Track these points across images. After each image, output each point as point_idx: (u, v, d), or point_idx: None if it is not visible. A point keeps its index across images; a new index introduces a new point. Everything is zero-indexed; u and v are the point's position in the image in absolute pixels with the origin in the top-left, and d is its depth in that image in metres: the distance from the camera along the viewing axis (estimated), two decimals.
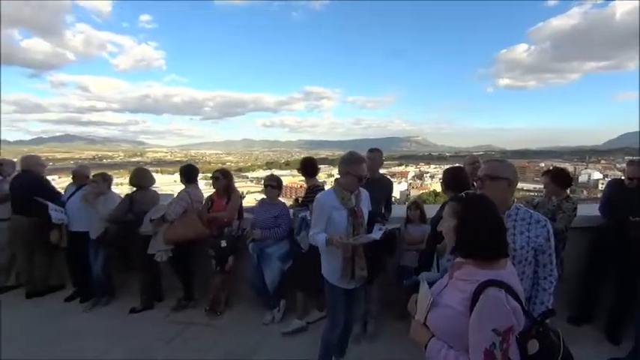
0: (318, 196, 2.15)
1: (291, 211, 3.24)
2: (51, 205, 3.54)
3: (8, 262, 3.90)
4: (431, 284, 1.26)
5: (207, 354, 2.74)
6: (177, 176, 3.49)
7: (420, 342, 1.19)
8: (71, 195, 3.72)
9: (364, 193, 2.24)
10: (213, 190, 3.44)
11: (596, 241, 3.01)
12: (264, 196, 3.31)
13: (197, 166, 3.83)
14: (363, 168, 2.11)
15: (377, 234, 2.08)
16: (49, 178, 4.12)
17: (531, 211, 1.60)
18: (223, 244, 3.20)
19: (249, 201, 3.89)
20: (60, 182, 4.04)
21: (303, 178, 3.23)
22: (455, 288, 1.17)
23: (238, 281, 3.41)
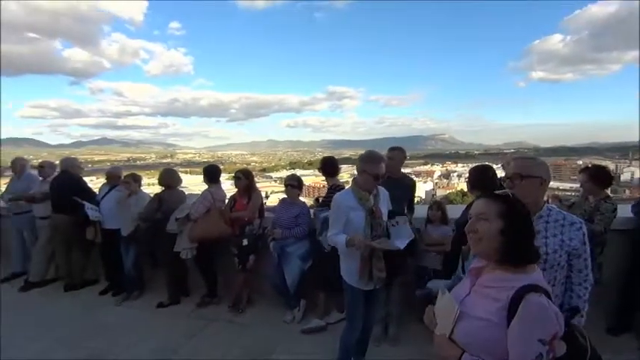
0: (336, 196, 2.13)
1: (311, 210, 3.24)
2: (87, 204, 3.77)
3: (49, 257, 4.18)
4: None
5: (228, 350, 2.79)
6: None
7: (448, 359, 1.08)
8: (105, 195, 3.94)
9: (383, 193, 2.19)
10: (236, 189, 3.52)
11: (637, 244, 2.77)
12: (285, 196, 3.33)
13: (223, 166, 3.94)
14: (380, 167, 2.06)
15: (402, 243, 2.01)
16: (88, 178, 4.40)
17: (564, 213, 1.49)
18: (245, 242, 3.26)
19: (273, 200, 3.94)
20: (97, 183, 4.34)
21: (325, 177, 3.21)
22: (483, 296, 1.06)
23: (260, 279, 3.46)
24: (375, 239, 2.01)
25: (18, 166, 4.40)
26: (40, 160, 4.57)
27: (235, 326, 3.18)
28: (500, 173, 2.42)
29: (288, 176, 3.33)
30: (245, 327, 3.15)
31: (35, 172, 4.46)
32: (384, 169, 2.09)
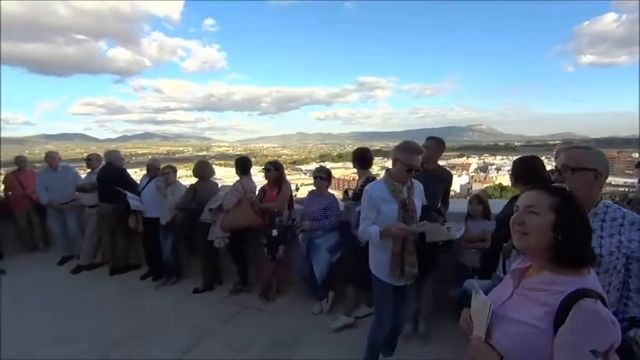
0: (367, 187, 2.07)
1: (342, 203, 3.20)
2: (129, 194, 4.01)
3: (96, 243, 4.53)
4: (485, 293, 1.10)
5: (258, 336, 2.87)
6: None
7: None
8: (145, 185, 4.17)
9: (418, 186, 2.10)
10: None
11: None
12: (314, 188, 3.33)
13: (255, 159, 4.01)
14: (415, 158, 1.96)
15: (453, 232, 1.91)
16: (132, 170, 4.70)
17: (625, 210, 1.32)
18: (274, 233, 3.31)
19: (303, 193, 3.96)
20: (140, 174, 4.64)
21: (355, 170, 3.14)
22: (528, 299, 0.97)
23: (289, 270, 3.50)
24: None
25: (55, 160, 4.74)
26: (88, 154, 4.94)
27: (265, 314, 3.25)
28: (549, 166, 2.22)
29: (316, 168, 3.32)
30: (274, 315, 3.21)
31: (66, 165, 4.85)
32: (420, 161, 1.99)
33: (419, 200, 2.10)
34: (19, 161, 5.12)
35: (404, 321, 2.38)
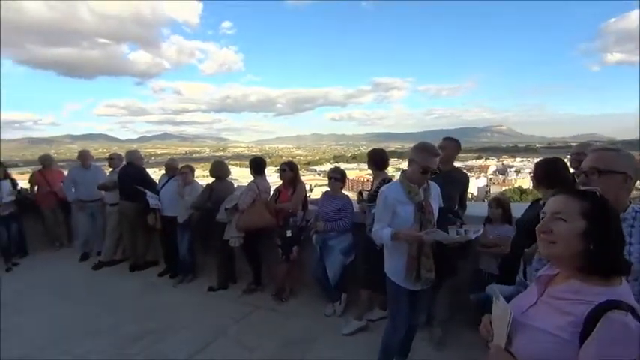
0: (383, 189, 2.05)
1: (356, 205, 3.18)
2: (148, 192, 4.13)
3: (117, 240, 4.68)
4: (506, 299, 1.06)
5: (271, 336, 2.88)
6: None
7: None
8: (164, 184, 4.28)
9: (435, 188, 2.06)
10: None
11: None
12: (328, 189, 3.32)
13: (270, 159, 4.05)
14: (431, 160, 1.92)
15: (470, 234, 1.86)
16: (152, 170, 4.83)
17: None
18: (288, 233, 3.32)
19: (316, 194, 3.96)
20: (160, 174, 4.78)
21: (369, 171, 3.11)
22: (553, 309, 0.92)
23: (302, 270, 3.51)
24: None
25: (87, 158, 4.94)
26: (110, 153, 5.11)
27: (278, 314, 3.27)
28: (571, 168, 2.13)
29: (331, 169, 3.31)
30: (287, 316, 3.22)
31: (96, 164, 5.04)
32: (437, 163, 1.95)
33: (436, 202, 2.06)
34: (44, 160, 5.34)
35: (418, 325, 2.34)
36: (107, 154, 5.20)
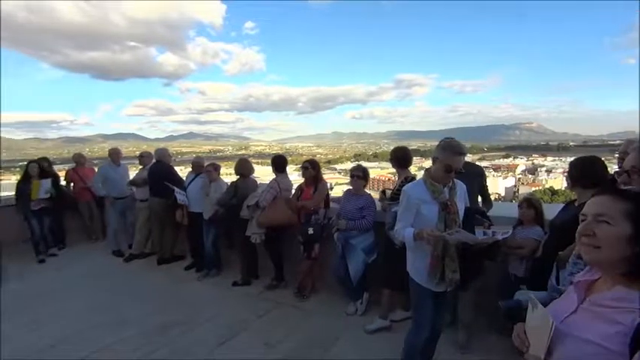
0: (405, 187, 2.01)
1: (378, 204, 3.15)
2: (176, 189, 4.28)
3: (147, 234, 4.89)
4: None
5: (292, 333, 2.91)
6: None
7: None
8: (190, 182, 4.42)
9: (461, 187, 2.00)
10: (303, 179, 3.62)
11: None
12: (350, 187, 3.30)
13: (291, 157, 4.09)
14: (455, 159, 1.86)
15: (498, 235, 1.80)
16: (179, 168, 5.02)
17: None
18: (310, 231, 3.33)
19: (337, 192, 3.96)
20: (186, 172, 4.96)
21: (391, 170, 3.06)
22: (596, 316, 0.86)
23: (324, 268, 3.52)
24: None
25: (118, 156, 5.19)
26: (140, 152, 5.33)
27: (299, 312, 3.29)
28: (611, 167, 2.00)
29: (353, 167, 3.29)
30: (308, 313, 3.24)
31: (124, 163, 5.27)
32: (461, 162, 1.89)
33: (462, 202, 2.00)
34: (77, 158, 5.68)
35: (442, 328, 2.28)
36: (136, 153, 5.44)
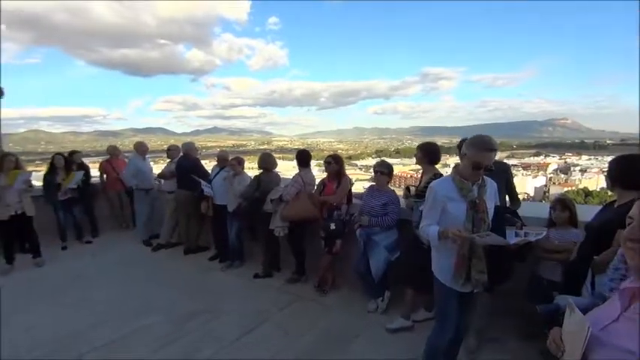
0: (432, 184, 1.96)
1: (402, 201, 3.09)
2: (202, 182, 4.41)
3: (173, 225, 5.07)
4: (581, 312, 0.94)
5: (311, 327, 2.94)
6: (296, 162, 3.82)
7: None
8: (216, 175, 4.53)
9: (491, 185, 1.92)
10: (326, 174, 3.61)
11: None
12: (373, 183, 3.27)
13: (312, 153, 4.10)
14: (484, 155, 1.77)
15: (530, 237, 1.73)
16: (204, 162, 5.15)
17: None
18: (332, 226, 3.33)
19: (357, 188, 3.93)
20: (211, 165, 5.10)
21: (413, 166, 2.99)
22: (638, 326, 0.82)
23: (346, 264, 3.51)
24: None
25: (143, 149, 5.41)
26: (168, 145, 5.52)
27: (319, 306, 3.32)
28: None
29: (377, 162, 3.24)
30: (328, 309, 3.26)
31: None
32: (491, 159, 1.81)
33: (491, 201, 1.92)
34: (111, 150, 5.98)
35: (467, 330, 2.22)
36: (164, 146, 5.63)
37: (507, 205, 2.71)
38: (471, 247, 1.76)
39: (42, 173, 5.13)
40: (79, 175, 5.04)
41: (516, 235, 1.80)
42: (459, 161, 1.99)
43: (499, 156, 2.17)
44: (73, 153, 5.54)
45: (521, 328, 2.61)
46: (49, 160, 5.01)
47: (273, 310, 3.25)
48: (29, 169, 4.90)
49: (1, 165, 4.08)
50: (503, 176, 2.65)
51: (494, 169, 1.82)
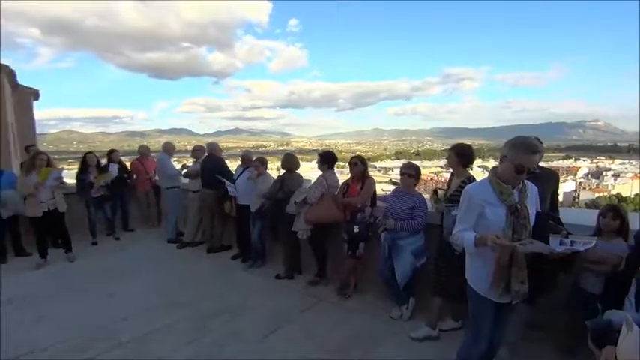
0: (468, 187, 1.87)
1: (429, 204, 2.98)
2: (227, 182, 4.45)
3: (198, 224, 5.16)
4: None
5: (333, 331, 2.88)
6: (314, 164, 3.78)
7: None
8: (239, 175, 4.57)
9: (532, 190, 1.81)
10: (349, 176, 3.55)
11: None
12: (394, 186, 3.18)
13: None
14: (527, 158, 1.66)
15: (579, 246, 1.62)
16: (227, 162, 5.21)
17: None
18: (356, 229, 3.27)
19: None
20: (232, 166, 5.19)
21: (434, 169, 2.86)
22: None
23: (368, 268, 3.44)
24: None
25: (171, 149, 5.58)
26: (192, 146, 5.65)
27: (341, 310, 3.25)
28: None
29: (404, 164, 3.14)
30: (350, 312, 3.19)
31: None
32: (535, 162, 1.69)
33: (533, 206, 1.81)
34: (143, 150, 6.17)
35: (501, 343, 2.09)
36: (187, 147, 5.77)
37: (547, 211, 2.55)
38: (511, 255, 1.65)
39: (74, 171, 5.35)
40: (113, 169, 5.23)
41: (561, 243, 1.68)
42: (497, 164, 1.88)
43: None
44: (111, 152, 5.77)
45: (559, 342, 2.45)
46: (81, 159, 5.23)
47: (296, 311, 3.22)
48: (63, 167, 5.12)
49: (34, 163, 4.26)
50: (551, 184, 2.45)
51: (537, 171, 1.71)
